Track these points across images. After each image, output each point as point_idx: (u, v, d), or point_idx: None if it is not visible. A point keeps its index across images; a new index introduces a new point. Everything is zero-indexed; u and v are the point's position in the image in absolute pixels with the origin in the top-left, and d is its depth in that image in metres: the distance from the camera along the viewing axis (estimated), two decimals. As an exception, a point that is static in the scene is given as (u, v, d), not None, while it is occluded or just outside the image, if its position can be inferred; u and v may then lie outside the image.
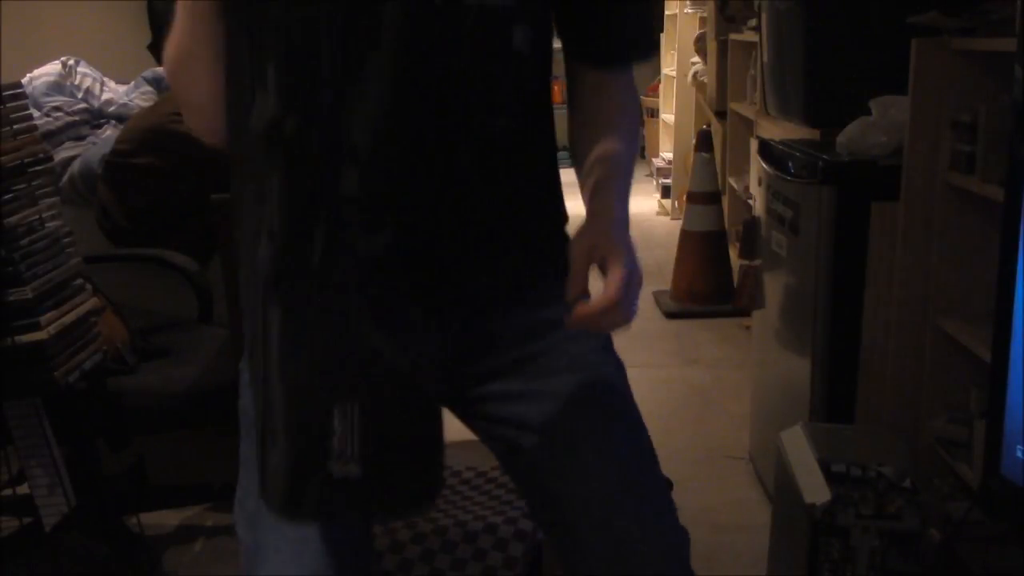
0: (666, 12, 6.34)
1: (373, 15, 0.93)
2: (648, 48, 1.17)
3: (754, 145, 3.10)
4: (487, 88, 1.02)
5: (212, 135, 1.08)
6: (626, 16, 1.13)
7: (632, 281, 0.96)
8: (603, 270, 0.98)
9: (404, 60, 0.94)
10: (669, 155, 6.10)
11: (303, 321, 0.93)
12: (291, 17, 0.93)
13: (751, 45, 3.79)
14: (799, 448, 1.81)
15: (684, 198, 4.50)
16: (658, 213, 6.16)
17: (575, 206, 1.11)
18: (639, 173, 7.21)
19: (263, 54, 0.94)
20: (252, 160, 0.96)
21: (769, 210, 2.47)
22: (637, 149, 1.15)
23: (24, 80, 2.73)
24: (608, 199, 1.04)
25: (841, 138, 2.19)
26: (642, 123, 1.32)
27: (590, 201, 1.05)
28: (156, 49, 3.91)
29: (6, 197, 1.71)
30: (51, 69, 2.85)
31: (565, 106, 1.18)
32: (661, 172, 6.25)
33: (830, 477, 1.68)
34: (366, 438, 0.92)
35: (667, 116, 6.34)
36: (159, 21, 3.88)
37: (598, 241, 0.98)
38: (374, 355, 0.93)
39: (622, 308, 0.95)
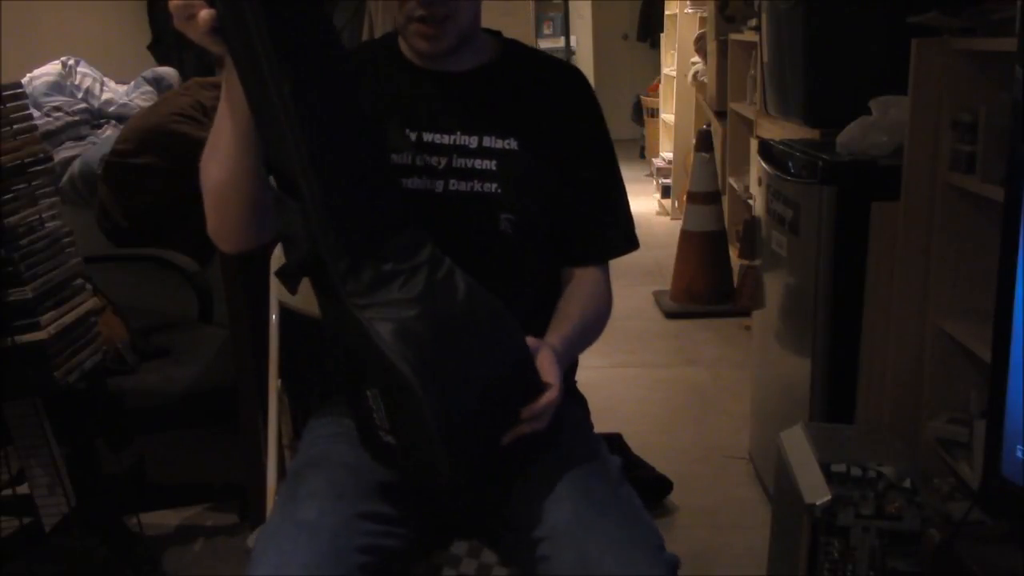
0: (666, 12, 6.33)
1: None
2: (623, 248, 1.40)
3: (754, 145, 3.10)
4: (476, 256, 1.25)
5: (223, 237, 1.23)
6: (603, 223, 1.37)
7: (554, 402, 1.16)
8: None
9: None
10: (669, 155, 6.10)
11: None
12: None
13: (751, 45, 3.79)
14: (799, 448, 1.81)
15: (684, 198, 4.50)
16: (658, 213, 6.16)
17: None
18: (639, 173, 7.21)
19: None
20: None
21: (769, 210, 2.47)
22: (600, 328, 1.37)
23: (24, 80, 2.73)
24: (560, 339, 1.26)
25: (841, 138, 2.19)
26: (607, 312, 1.56)
27: (547, 336, 1.28)
28: (156, 49, 3.91)
29: (6, 197, 1.71)
30: (51, 69, 2.84)
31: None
32: (661, 172, 6.24)
33: (830, 477, 1.68)
34: (392, 416, 1.10)
35: (667, 116, 6.34)
36: (159, 22, 3.89)
37: (544, 353, 1.18)
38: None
39: (544, 418, 1.15)
